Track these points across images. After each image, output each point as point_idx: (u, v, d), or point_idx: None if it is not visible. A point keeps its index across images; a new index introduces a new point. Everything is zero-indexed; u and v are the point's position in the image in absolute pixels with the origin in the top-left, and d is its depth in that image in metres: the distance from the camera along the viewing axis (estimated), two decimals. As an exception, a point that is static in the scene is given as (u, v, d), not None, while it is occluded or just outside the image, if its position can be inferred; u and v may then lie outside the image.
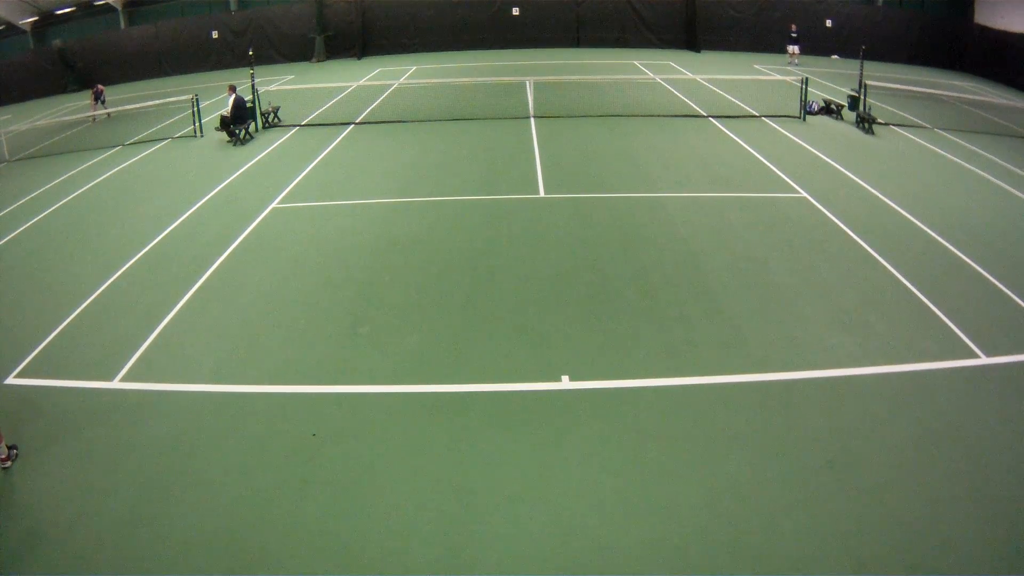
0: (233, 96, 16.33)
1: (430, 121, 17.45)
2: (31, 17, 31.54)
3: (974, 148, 15.06)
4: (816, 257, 9.48)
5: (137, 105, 21.75)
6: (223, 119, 16.29)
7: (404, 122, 17.49)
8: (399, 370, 7.14)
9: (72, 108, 24.35)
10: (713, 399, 6.57)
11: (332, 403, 6.64)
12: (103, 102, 22.23)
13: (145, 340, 7.77)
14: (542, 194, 11.98)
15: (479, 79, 22.77)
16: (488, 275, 9.15)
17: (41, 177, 14.75)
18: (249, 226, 10.97)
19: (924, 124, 17.20)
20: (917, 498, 5.29)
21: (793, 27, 27.23)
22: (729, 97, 19.73)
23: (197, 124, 17.50)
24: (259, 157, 14.98)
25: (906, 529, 5.00)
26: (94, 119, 21.49)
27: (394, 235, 10.46)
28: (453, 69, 26.23)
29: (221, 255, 9.95)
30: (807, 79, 17.72)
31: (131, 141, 17.52)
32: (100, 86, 22.77)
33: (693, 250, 9.68)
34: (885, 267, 9.12)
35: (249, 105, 17.02)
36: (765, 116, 17.45)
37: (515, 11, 31.56)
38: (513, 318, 8.06)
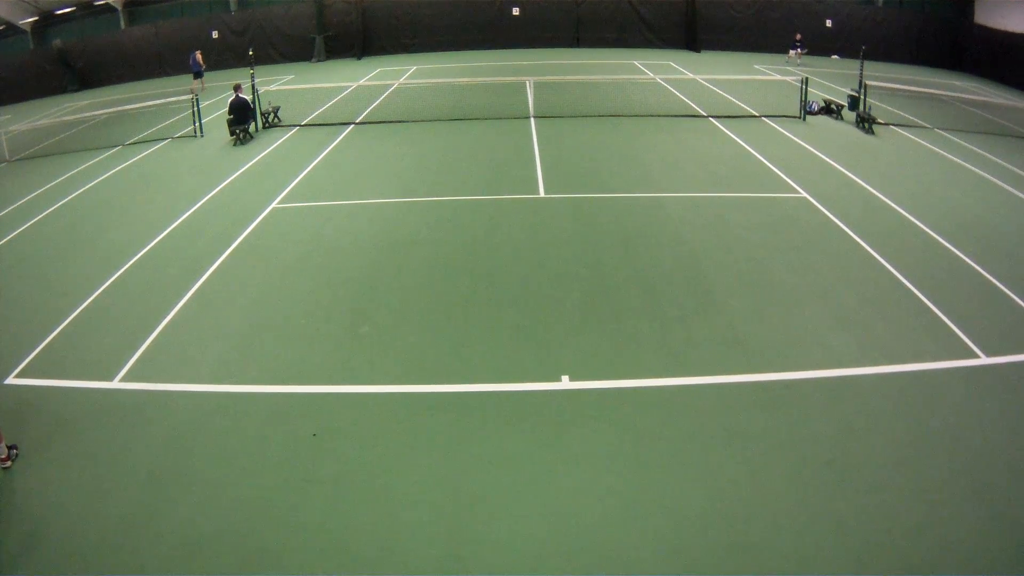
0: (237, 95, 16.33)
1: (430, 121, 17.44)
2: (31, 17, 31.53)
3: (974, 148, 15.05)
4: (816, 257, 9.48)
5: (137, 105, 21.75)
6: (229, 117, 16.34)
7: (404, 122, 17.49)
8: (399, 370, 7.15)
9: (72, 108, 24.34)
10: (713, 399, 6.57)
11: (332, 403, 6.64)
12: (201, 75, 23.23)
13: (145, 340, 7.78)
14: (542, 194, 11.98)
15: (479, 79, 22.76)
16: (488, 275, 9.15)
17: (41, 177, 14.75)
18: (249, 226, 10.97)
19: (924, 124, 17.19)
20: (917, 498, 5.30)
21: (798, 36, 26.90)
22: (729, 97, 19.72)
23: (197, 124, 17.49)
24: (259, 157, 14.98)
25: (906, 529, 5.00)
26: (193, 91, 21.28)
27: (394, 235, 10.46)
28: (453, 69, 26.21)
29: (221, 255, 9.95)
30: (807, 79, 17.71)
31: (131, 141, 17.51)
32: (199, 58, 23.64)
33: (693, 250, 9.68)
34: (885, 267, 9.12)
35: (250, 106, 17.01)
36: (765, 116, 17.44)
37: (515, 11, 31.54)
38: (513, 318, 8.06)
